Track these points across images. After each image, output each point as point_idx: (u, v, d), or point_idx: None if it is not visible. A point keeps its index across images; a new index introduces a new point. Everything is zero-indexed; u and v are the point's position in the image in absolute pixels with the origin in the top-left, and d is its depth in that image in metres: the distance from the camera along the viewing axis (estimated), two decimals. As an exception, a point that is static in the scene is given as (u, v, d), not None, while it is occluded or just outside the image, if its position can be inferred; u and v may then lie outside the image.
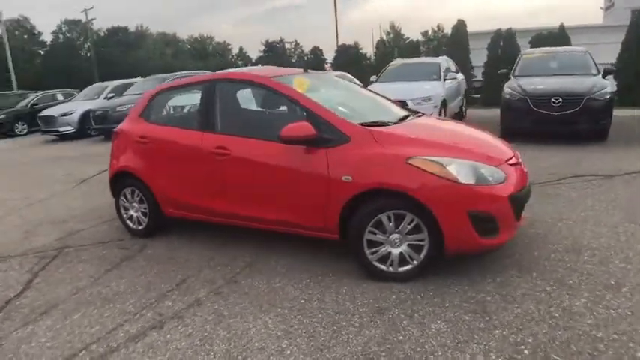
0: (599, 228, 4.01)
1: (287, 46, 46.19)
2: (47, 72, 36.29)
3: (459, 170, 3.03)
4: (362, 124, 3.39)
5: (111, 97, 13.86)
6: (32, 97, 18.36)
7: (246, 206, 3.79)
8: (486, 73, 16.43)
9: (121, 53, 44.97)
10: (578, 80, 8.13)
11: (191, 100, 4.56)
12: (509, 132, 8.40)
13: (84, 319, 3.03)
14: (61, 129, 13.76)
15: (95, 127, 12.63)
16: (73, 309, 3.18)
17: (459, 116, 11.80)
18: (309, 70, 4.47)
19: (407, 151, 3.14)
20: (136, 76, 17.61)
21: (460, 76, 12.45)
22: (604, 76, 8.36)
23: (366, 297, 3.05)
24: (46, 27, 78.34)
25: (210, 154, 3.83)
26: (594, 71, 8.60)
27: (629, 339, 2.43)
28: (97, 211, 5.51)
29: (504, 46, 16.35)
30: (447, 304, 2.89)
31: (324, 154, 3.31)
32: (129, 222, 4.59)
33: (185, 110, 5.01)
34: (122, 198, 4.59)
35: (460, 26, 18.46)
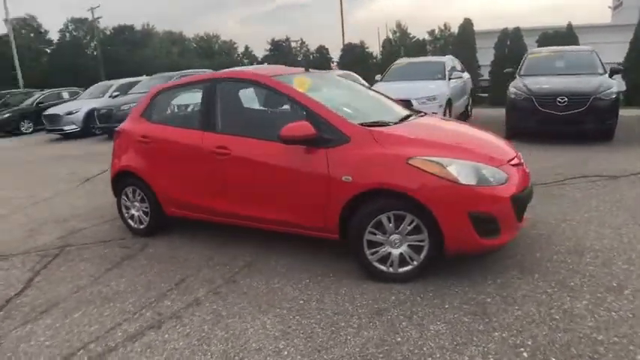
0: (602, 229, 3.97)
1: (293, 44, 46.18)
2: (53, 70, 36.44)
3: (460, 170, 3.01)
4: (362, 124, 3.37)
5: (116, 96, 13.91)
6: (38, 95, 18.47)
7: (246, 206, 3.78)
8: (493, 73, 16.35)
9: (127, 52, 45.11)
10: (584, 80, 8.06)
11: (192, 99, 4.55)
12: (515, 132, 8.36)
13: (83, 318, 3.03)
14: (65, 127, 13.83)
15: (99, 125, 12.68)
16: (73, 308, 3.19)
17: (465, 116, 11.75)
18: (310, 70, 4.45)
19: (407, 151, 3.12)
20: (142, 75, 17.66)
21: (466, 75, 12.40)
22: (611, 76, 8.29)
23: (366, 298, 3.03)
24: (53, 25, 78.71)
25: (211, 153, 3.83)
26: (601, 71, 8.52)
27: (629, 342, 2.40)
28: (99, 210, 5.52)
29: (511, 45, 16.28)
30: (446, 306, 2.87)
31: (324, 154, 3.30)
32: (130, 221, 4.59)
33: (186, 110, 5.01)
34: (124, 197, 4.60)
35: (467, 25, 18.39)
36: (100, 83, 17.15)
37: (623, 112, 8.68)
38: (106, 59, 40.87)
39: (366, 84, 11.60)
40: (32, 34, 46.80)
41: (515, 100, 8.20)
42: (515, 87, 8.41)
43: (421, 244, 3.12)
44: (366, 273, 3.30)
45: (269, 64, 26.51)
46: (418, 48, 23.55)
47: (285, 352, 2.51)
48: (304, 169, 3.39)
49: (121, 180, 4.59)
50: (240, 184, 3.77)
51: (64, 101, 16.70)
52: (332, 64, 26.26)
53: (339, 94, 4.38)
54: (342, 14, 34.98)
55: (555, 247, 3.65)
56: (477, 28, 18.34)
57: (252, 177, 3.68)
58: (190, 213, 4.22)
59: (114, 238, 4.55)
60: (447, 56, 11.91)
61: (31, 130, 17.08)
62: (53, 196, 6.53)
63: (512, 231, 3.22)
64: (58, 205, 6.04)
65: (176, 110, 5.01)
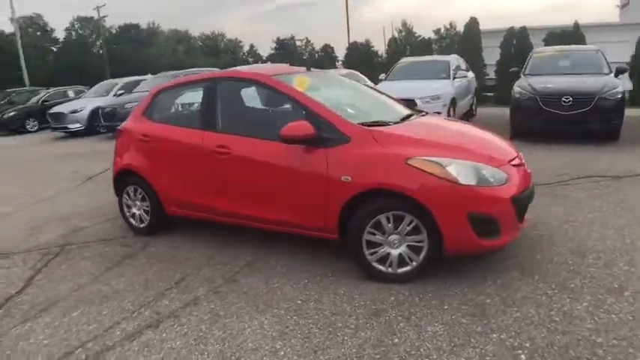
0: (605, 230, 3.94)
1: (298, 43, 46.09)
2: (59, 69, 36.61)
3: (459, 171, 2.99)
4: (362, 124, 3.35)
5: (120, 95, 13.96)
6: (43, 93, 18.58)
7: (246, 205, 3.78)
8: (499, 72, 16.28)
9: (132, 50, 45.22)
10: (589, 79, 8.01)
11: (193, 98, 4.55)
12: (519, 131, 8.33)
13: (82, 317, 3.04)
14: (70, 126, 13.89)
15: (104, 124, 12.72)
16: (72, 306, 3.20)
17: (469, 115, 11.70)
18: (311, 69, 4.44)
19: (407, 151, 3.10)
20: (147, 74, 17.70)
21: (470, 74, 12.33)
22: (616, 76, 8.23)
23: (364, 298, 3.02)
24: (59, 24, 79.07)
25: (211, 152, 3.83)
26: (606, 70, 8.45)
27: (629, 345, 2.37)
28: (101, 209, 5.54)
29: (517, 45, 16.19)
30: (445, 307, 2.86)
31: (324, 154, 3.29)
32: (131, 220, 4.60)
33: (187, 109, 5.01)
34: (125, 196, 4.61)
35: (472, 24, 18.30)
36: (104, 82, 17.21)
37: (629, 112, 8.61)
38: (111, 58, 41.01)
39: (371, 83, 11.63)
40: (38, 33, 47.00)
41: (520, 99, 8.16)
42: (519, 86, 8.36)
43: (420, 244, 3.11)
44: (365, 273, 3.29)
45: (273, 62, 26.48)
46: (424, 47, 23.44)
47: (282, 353, 2.50)
48: (304, 169, 3.38)
49: (123, 179, 4.60)
50: (241, 183, 3.77)
51: (70, 100, 16.79)
52: (337, 63, 26.24)
53: (340, 94, 4.37)
54: (347, 13, 34.93)
55: (557, 248, 3.62)
56: (482, 27, 18.27)
57: (252, 176, 3.68)
58: (191, 212, 4.22)
59: (115, 237, 4.56)
60: (451, 55, 11.85)
61: (36, 128, 17.17)
62: (56, 195, 6.56)
63: (513, 232, 3.20)
64: (60, 203, 6.07)
65: (177, 109, 5.02)
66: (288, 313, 2.91)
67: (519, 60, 12.34)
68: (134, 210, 4.56)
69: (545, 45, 14.26)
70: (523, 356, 2.35)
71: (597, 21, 18.37)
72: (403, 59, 12.18)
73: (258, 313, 2.93)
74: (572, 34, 15.33)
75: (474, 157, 3.15)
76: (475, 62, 16.15)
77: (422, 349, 2.45)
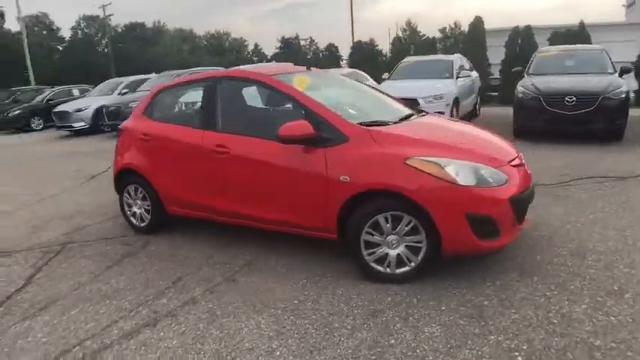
0: (607, 231, 3.92)
1: (302, 42, 46.06)
2: (65, 67, 36.81)
3: (458, 171, 2.97)
4: (361, 124, 3.34)
5: (124, 93, 13.99)
6: (48, 92, 18.67)
7: (246, 205, 3.78)
8: (504, 71, 16.19)
9: (138, 49, 45.37)
10: (593, 79, 7.96)
11: (193, 97, 4.56)
12: (522, 131, 8.30)
13: (81, 315, 3.05)
14: (74, 124, 13.95)
15: (108, 122, 12.76)
16: (72, 305, 3.21)
17: (473, 115, 11.67)
18: (312, 69, 4.43)
19: (405, 151, 3.09)
20: (152, 72, 17.74)
21: (474, 74, 12.29)
22: (621, 75, 8.17)
23: (362, 299, 3.02)
24: (65, 23, 79.45)
25: (211, 152, 3.83)
26: (610, 70, 8.40)
27: (627, 348, 2.36)
28: (103, 207, 5.56)
29: (522, 44, 16.11)
30: (443, 308, 2.85)
31: (323, 154, 3.28)
32: (132, 219, 4.62)
33: (187, 108, 5.02)
34: (126, 194, 4.63)
35: (477, 23, 18.20)
36: (109, 80, 17.25)
37: (634, 112, 8.55)
38: (117, 57, 41.14)
39: (374, 82, 11.60)
40: (44, 32, 47.23)
41: (523, 99, 8.12)
42: (523, 86, 8.32)
43: (419, 245, 3.09)
44: (363, 274, 3.28)
45: (277, 61, 26.50)
46: (428, 46, 23.31)
47: (278, 353, 2.50)
48: (303, 169, 3.37)
49: (124, 177, 4.61)
50: (240, 183, 3.77)
51: (74, 98, 16.87)
52: (341, 62, 26.21)
53: (340, 93, 4.36)
54: (351, 12, 34.84)
55: (557, 249, 3.60)
56: (487, 26, 18.16)
57: (251, 176, 3.67)
58: (192, 212, 4.23)
59: (116, 236, 4.58)
60: (454, 55, 11.82)
61: (41, 126, 17.24)
62: (59, 193, 6.58)
63: (512, 233, 3.19)
64: (64, 201, 6.10)
65: (177, 108, 5.03)
66: (286, 313, 2.91)
67: (524, 59, 12.26)
68: (135, 209, 4.58)
69: (550, 44, 14.16)
70: (520, 358, 2.33)
71: (603, 20, 18.24)
72: (406, 59, 12.15)
73: (256, 312, 2.93)
74: (578, 34, 15.23)
75: (473, 157, 3.13)
76: (480, 61, 16.07)
77: (418, 350, 2.44)
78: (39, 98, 18.24)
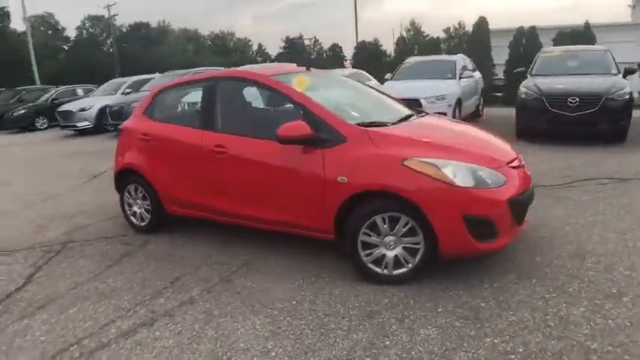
0: (607, 233, 3.89)
1: (306, 42, 46.14)
2: (70, 67, 36.99)
3: (456, 172, 2.96)
4: (359, 124, 3.34)
5: (128, 93, 14.03)
6: (53, 91, 18.75)
7: (245, 205, 3.78)
8: (508, 72, 16.13)
9: (142, 49, 45.51)
10: (596, 80, 7.91)
11: (193, 98, 4.57)
12: (524, 132, 8.26)
13: (79, 314, 3.07)
14: (78, 124, 13.99)
15: (111, 122, 12.81)
16: (70, 304, 3.22)
17: (476, 115, 11.64)
18: (311, 69, 4.43)
19: (403, 152, 3.08)
20: (156, 72, 17.78)
21: (477, 74, 12.25)
22: (625, 76, 8.12)
23: (359, 300, 3.01)
24: (70, 23, 79.80)
25: (210, 152, 3.83)
26: (614, 71, 8.35)
27: (624, 351, 2.34)
28: (105, 207, 5.57)
29: (527, 44, 16.05)
30: (439, 310, 2.84)
31: (321, 154, 3.28)
32: (132, 218, 4.63)
33: (187, 108, 5.03)
34: (126, 194, 4.64)
35: (481, 23, 18.17)
36: (113, 80, 17.32)
37: (637, 113, 8.50)
38: (121, 56, 41.31)
39: (377, 82, 11.59)
40: (50, 32, 47.50)
41: (526, 99, 8.09)
42: (525, 87, 8.29)
43: (416, 246, 3.09)
44: (361, 275, 3.27)
45: (280, 62, 26.52)
46: (432, 46, 23.31)
47: (273, 353, 2.50)
48: (301, 169, 3.37)
49: (124, 177, 4.63)
50: (239, 183, 3.78)
51: (79, 98, 16.92)
52: (345, 62, 26.21)
53: (340, 94, 4.35)
54: (355, 12, 34.86)
55: (556, 251, 3.58)
56: (492, 26, 18.13)
57: (250, 176, 3.68)
58: (191, 212, 4.24)
59: (116, 235, 4.59)
60: (457, 55, 11.79)
61: (45, 126, 17.31)
62: (62, 193, 6.61)
63: (511, 235, 3.17)
64: (66, 201, 6.12)
65: (177, 109, 5.04)
66: (282, 313, 2.91)
67: (528, 60, 12.19)
68: (135, 208, 4.59)
69: (555, 45, 14.12)
70: (515, 361, 2.32)
71: (608, 21, 18.15)
72: (409, 59, 12.13)
73: (252, 313, 2.94)
74: (583, 34, 15.18)
75: (471, 158, 3.12)
76: (484, 62, 16.04)
77: (413, 352, 2.43)
78: (44, 98, 18.31)
